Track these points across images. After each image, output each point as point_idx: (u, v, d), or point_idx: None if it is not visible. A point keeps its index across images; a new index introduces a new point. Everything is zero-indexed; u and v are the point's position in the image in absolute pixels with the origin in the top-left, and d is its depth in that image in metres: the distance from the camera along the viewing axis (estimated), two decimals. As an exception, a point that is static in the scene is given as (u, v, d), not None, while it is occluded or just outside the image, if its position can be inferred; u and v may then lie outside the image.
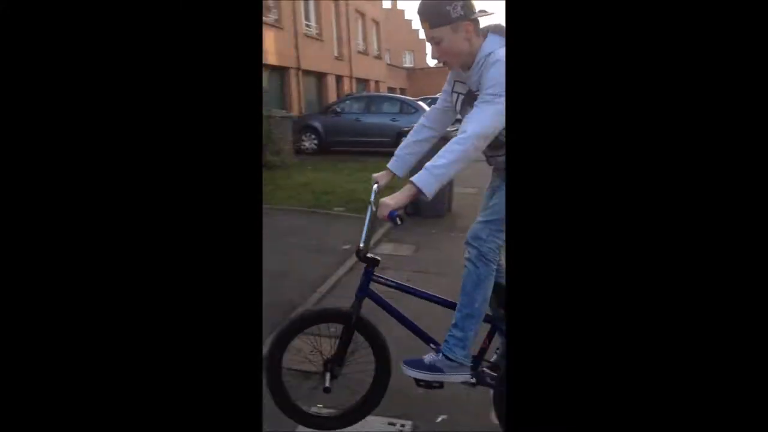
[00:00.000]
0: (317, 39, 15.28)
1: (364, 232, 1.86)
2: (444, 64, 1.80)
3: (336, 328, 1.87)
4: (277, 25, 12.73)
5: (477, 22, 1.71)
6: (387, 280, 1.87)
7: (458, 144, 1.57)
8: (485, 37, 1.72)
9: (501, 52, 1.64)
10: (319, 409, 2.05)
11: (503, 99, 1.52)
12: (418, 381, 1.84)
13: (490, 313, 1.81)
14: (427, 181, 1.57)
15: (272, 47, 12.17)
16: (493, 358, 1.88)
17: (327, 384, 1.87)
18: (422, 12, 1.71)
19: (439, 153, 1.58)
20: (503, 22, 1.66)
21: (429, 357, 1.83)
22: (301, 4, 14.54)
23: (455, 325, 1.78)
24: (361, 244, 1.83)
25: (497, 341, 1.86)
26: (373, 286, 1.85)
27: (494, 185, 1.83)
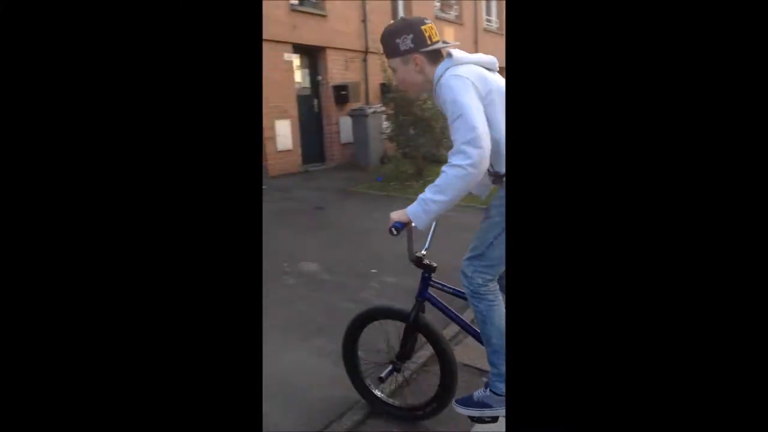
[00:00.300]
0: (497, 33, 15.00)
1: (429, 239, 1.93)
2: (405, 91, 1.78)
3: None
4: (457, 22, 12.79)
5: (435, 53, 1.69)
6: (444, 285, 1.93)
7: (443, 175, 1.54)
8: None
9: (446, 76, 1.61)
10: (383, 393, 2.17)
11: (461, 118, 1.52)
12: (471, 417, 1.88)
13: None
14: (417, 215, 1.60)
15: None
16: None
17: (382, 374, 2.02)
18: (380, 41, 1.74)
19: (437, 181, 1.56)
20: (458, 49, 1.70)
21: (478, 393, 1.88)
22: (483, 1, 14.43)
23: (490, 363, 1.80)
24: (423, 252, 1.89)
25: None
26: (433, 292, 1.94)
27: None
